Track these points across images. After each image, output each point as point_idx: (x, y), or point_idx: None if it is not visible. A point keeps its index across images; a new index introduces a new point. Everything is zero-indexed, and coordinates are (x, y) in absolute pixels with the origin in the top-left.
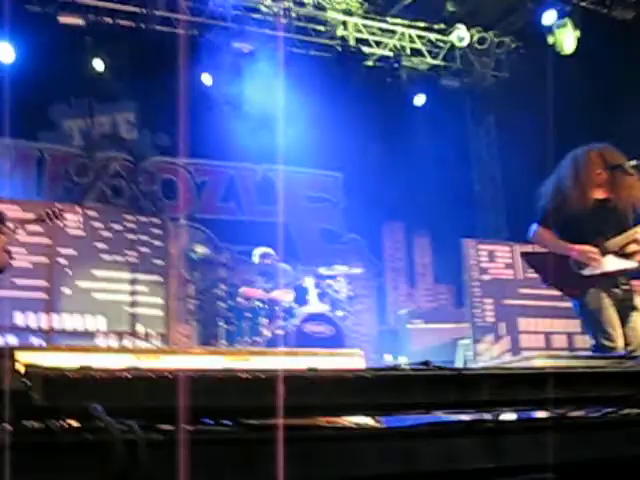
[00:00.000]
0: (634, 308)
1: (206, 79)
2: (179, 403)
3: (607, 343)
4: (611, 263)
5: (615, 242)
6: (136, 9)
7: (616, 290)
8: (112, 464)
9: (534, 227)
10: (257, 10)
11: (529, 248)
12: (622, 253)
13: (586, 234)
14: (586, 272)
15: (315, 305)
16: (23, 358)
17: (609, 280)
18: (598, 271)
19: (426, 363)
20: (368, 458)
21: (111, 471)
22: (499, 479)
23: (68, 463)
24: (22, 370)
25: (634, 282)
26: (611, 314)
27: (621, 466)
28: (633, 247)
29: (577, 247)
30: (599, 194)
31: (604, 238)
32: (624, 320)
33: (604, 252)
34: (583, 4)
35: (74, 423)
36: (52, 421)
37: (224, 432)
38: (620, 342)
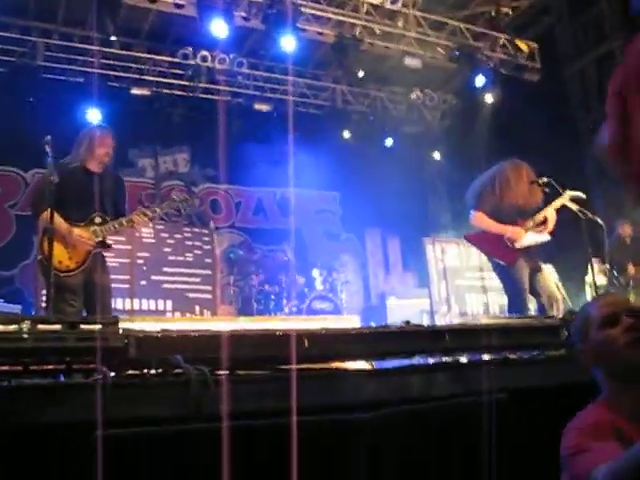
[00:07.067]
0: (539, 270)
1: (238, 129)
2: (231, 353)
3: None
4: (532, 238)
5: (533, 221)
6: (186, 82)
7: (532, 257)
8: (190, 396)
9: (473, 212)
10: (273, 80)
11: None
12: (537, 230)
13: (508, 219)
14: (517, 245)
15: (320, 288)
16: (122, 325)
17: (530, 250)
18: (525, 244)
19: (407, 322)
20: (366, 390)
21: (189, 399)
22: (463, 399)
23: (157, 396)
24: (122, 333)
25: None
26: (527, 282)
27: (543, 391)
28: (544, 224)
29: (510, 228)
30: (518, 199)
31: (523, 221)
32: (534, 279)
33: (526, 230)
34: (502, 70)
35: (159, 369)
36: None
37: (263, 375)
38: (527, 301)
